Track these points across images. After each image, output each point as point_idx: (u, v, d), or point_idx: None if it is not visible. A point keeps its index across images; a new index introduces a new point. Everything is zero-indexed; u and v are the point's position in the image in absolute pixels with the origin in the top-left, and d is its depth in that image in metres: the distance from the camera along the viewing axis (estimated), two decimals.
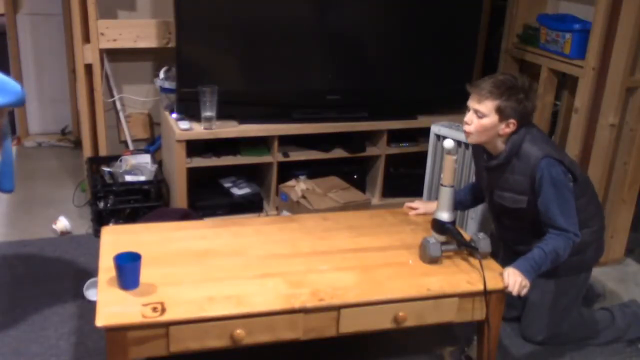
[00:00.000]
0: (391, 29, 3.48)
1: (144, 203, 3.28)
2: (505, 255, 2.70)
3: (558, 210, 2.27)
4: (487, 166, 2.44)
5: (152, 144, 3.85)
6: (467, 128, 2.35)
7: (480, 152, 2.50)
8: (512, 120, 2.27)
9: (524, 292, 2.15)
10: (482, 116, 2.29)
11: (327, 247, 2.31)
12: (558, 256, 2.25)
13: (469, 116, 2.34)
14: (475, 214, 3.15)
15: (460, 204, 2.71)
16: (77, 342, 2.44)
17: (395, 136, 3.62)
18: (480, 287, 2.11)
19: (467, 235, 2.35)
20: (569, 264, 2.42)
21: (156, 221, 2.64)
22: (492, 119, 2.28)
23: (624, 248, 3.30)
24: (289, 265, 2.16)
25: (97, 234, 3.17)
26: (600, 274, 3.13)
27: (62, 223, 3.27)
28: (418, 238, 2.33)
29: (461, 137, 3.16)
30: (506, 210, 2.45)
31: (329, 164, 3.56)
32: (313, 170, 3.51)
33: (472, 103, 2.33)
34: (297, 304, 1.94)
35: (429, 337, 2.55)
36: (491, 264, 2.26)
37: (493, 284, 2.13)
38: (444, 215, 2.27)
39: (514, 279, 2.13)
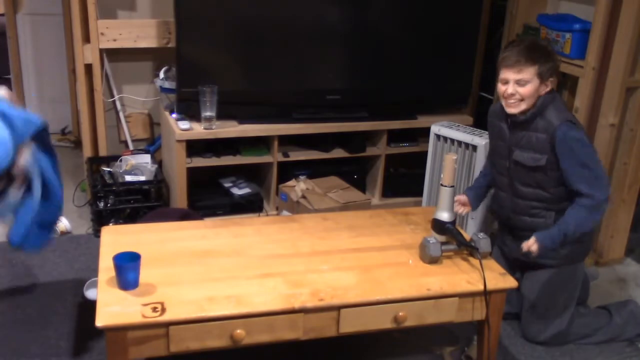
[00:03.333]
0: (391, 29, 3.48)
1: (144, 203, 3.28)
2: (498, 251, 2.71)
3: (581, 172, 2.33)
4: (514, 121, 2.45)
5: (152, 144, 3.85)
6: (514, 99, 2.37)
7: (500, 114, 2.52)
8: (551, 79, 2.36)
9: (533, 249, 2.32)
10: (524, 83, 2.34)
11: (327, 247, 2.31)
12: (581, 227, 2.35)
13: (512, 88, 2.36)
14: (475, 214, 3.15)
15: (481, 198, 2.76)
16: (77, 342, 2.44)
17: (395, 136, 3.62)
18: (480, 287, 2.11)
19: (467, 235, 2.35)
20: (565, 253, 2.45)
21: (156, 221, 2.64)
22: (534, 83, 2.34)
23: (624, 248, 3.30)
24: (289, 265, 2.16)
25: (97, 234, 3.17)
26: (600, 274, 3.13)
27: (62, 223, 3.27)
28: (418, 238, 2.33)
29: (461, 137, 3.17)
30: (525, 170, 2.46)
31: (329, 164, 3.56)
32: (313, 170, 3.51)
33: (511, 74, 2.35)
34: (297, 304, 1.94)
35: (429, 337, 2.55)
36: (491, 264, 2.26)
37: (493, 284, 2.13)
38: (444, 215, 2.27)
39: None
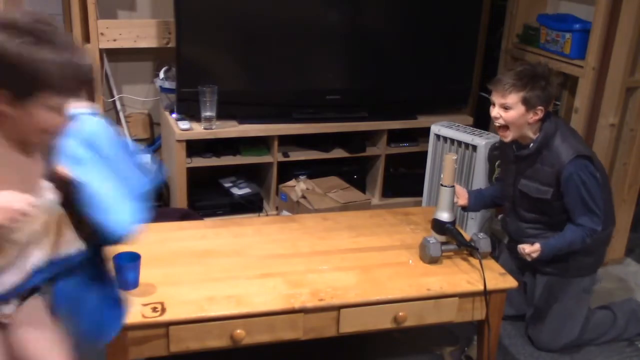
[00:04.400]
0: (391, 29, 3.48)
1: None
2: (507, 254, 2.70)
3: (582, 210, 2.35)
4: (518, 155, 2.45)
5: (152, 144, 3.85)
6: (498, 123, 2.39)
7: (509, 144, 2.51)
8: (539, 108, 2.33)
9: (533, 255, 2.33)
10: (508, 109, 2.33)
11: (327, 247, 2.31)
12: (573, 245, 2.38)
13: (496, 111, 2.37)
14: (475, 214, 3.15)
15: (490, 199, 2.73)
16: None
17: (395, 136, 3.62)
18: (480, 287, 2.11)
19: (467, 235, 2.35)
20: (581, 265, 2.46)
21: (156, 221, 2.64)
22: (518, 110, 2.32)
23: (624, 248, 3.30)
24: (289, 265, 2.16)
25: None
26: (600, 274, 3.12)
27: None
28: (418, 238, 2.33)
29: (461, 137, 3.17)
30: (528, 199, 2.46)
31: (329, 164, 3.56)
32: (313, 170, 3.50)
33: (496, 98, 2.37)
34: (297, 304, 1.94)
35: (429, 337, 2.55)
36: (491, 264, 2.26)
37: (493, 284, 2.13)
38: (444, 215, 2.27)
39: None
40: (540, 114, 2.34)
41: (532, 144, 2.40)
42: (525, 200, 2.48)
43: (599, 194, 2.35)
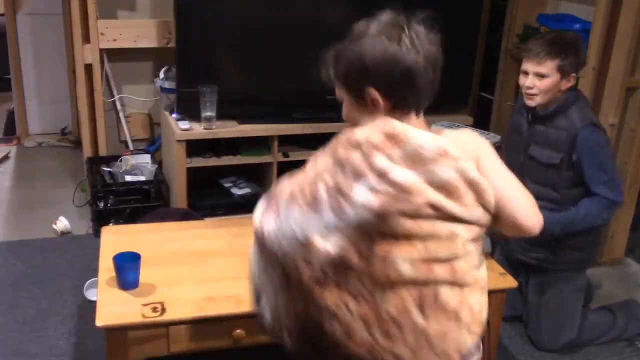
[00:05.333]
0: None
1: (144, 203, 3.28)
2: (499, 254, 2.70)
3: (599, 175, 2.31)
4: (534, 115, 2.43)
5: (152, 144, 3.85)
6: (530, 92, 2.35)
7: (521, 109, 2.50)
8: (572, 75, 2.32)
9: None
10: (543, 77, 2.30)
11: None
12: (589, 218, 2.31)
13: (530, 80, 2.33)
14: None
15: None
16: (77, 342, 2.44)
17: None
18: None
19: None
20: (570, 259, 2.45)
21: (156, 221, 2.64)
22: (554, 78, 2.30)
23: (624, 248, 3.30)
24: None
25: (97, 234, 3.17)
26: (600, 274, 3.13)
27: (62, 223, 3.27)
28: None
29: None
30: (538, 167, 2.43)
31: None
32: None
33: (530, 67, 2.33)
34: None
35: None
36: (491, 264, 2.25)
37: (493, 284, 2.12)
38: None
39: None
40: (572, 81, 2.33)
41: (552, 107, 2.38)
42: (534, 166, 2.44)
43: (613, 163, 2.33)
